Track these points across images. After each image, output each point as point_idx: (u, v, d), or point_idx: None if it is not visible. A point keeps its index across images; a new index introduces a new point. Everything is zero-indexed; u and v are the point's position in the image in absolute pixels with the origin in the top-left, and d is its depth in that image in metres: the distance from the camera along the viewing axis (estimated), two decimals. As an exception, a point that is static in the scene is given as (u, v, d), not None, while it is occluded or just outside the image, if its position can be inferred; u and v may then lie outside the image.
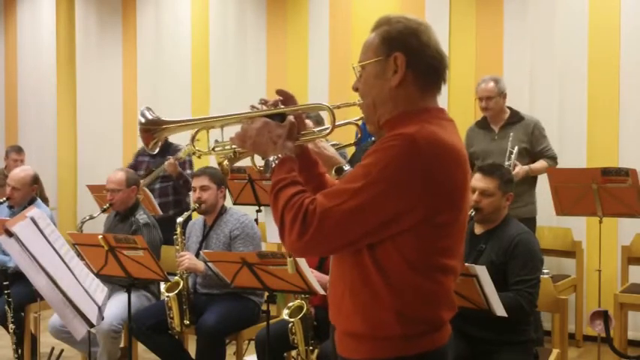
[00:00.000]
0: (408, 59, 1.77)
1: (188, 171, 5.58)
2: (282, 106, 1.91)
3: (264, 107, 1.92)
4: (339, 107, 1.96)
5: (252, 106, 1.95)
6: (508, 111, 4.89)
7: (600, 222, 4.29)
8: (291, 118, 1.88)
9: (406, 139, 1.67)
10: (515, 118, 4.85)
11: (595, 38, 5.33)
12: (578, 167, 4.79)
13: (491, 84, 4.81)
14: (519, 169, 4.64)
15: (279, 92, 1.98)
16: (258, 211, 5.20)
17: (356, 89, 1.88)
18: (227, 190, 4.65)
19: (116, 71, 7.94)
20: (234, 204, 5.15)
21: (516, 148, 4.69)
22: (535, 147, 4.79)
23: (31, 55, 8.73)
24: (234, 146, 1.95)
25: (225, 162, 2.01)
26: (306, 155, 2.01)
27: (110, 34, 7.97)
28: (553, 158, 4.80)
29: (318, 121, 3.06)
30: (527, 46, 5.57)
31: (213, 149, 1.99)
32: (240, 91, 6.90)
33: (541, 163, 4.76)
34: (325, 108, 1.92)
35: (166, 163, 5.42)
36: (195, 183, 4.25)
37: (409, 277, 1.71)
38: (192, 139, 2.04)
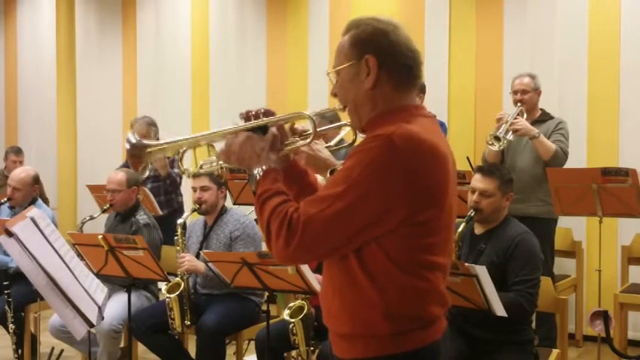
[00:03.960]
0: (379, 60, 1.79)
1: (175, 170, 5.56)
2: (264, 119, 1.92)
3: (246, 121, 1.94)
4: (320, 114, 1.99)
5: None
6: (540, 111, 4.85)
7: (600, 222, 4.28)
8: (273, 130, 1.90)
9: (384, 139, 1.68)
10: (545, 117, 4.81)
11: (595, 38, 5.33)
12: (578, 167, 4.78)
13: (527, 79, 4.79)
14: (523, 122, 4.59)
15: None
16: (258, 211, 5.20)
17: (335, 95, 1.90)
18: (227, 191, 4.64)
19: (116, 72, 7.94)
20: (234, 204, 5.15)
21: (518, 104, 4.71)
22: (549, 138, 4.67)
23: (31, 56, 8.74)
24: (220, 162, 1.98)
25: (220, 169, 2.04)
26: (293, 166, 2.03)
27: (110, 34, 7.98)
28: (563, 151, 4.64)
29: (332, 121, 3.06)
30: (527, 46, 5.57)
31: (201, 167, 2.02)
32: (240, 92, 6.91)
33: (550, 144, 4.61)
34: (306, 116, 1.95)
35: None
36: (196, 183, 4.25)
37: (395, 275, 1.73)
38: (180, 159, 2.05)
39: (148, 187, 5.51)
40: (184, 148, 2.00)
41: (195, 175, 4.31)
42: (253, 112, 1.93)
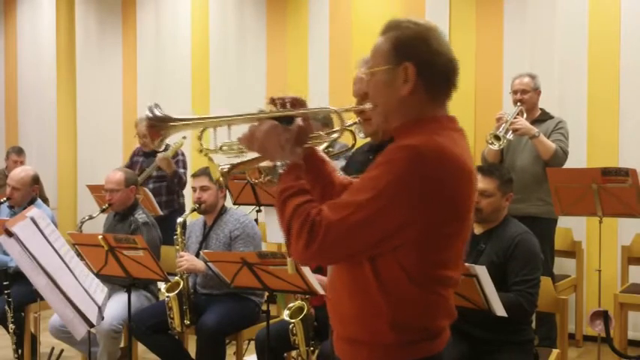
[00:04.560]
0: (418, 69, 1.76)
1: (181, 170, 5.59)
2: (291, 108, 1.87)
3: (273, 108, 1.89)
4: (347, 110, 1.95)
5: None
6: (540, 110, 4.87)
7: (600, 222, 4.28)
8: (299, 121, 1.85)
9: (412, 151, 1.66)
10: (545, 117, 4.83)
11: (595, 38, 5.33)
12: (578, 167, 4.78)
13: (527, 79, 4.82)
14: (523, 121, 4.61)
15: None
16: (258, 211, 5.20)
17: (365, 94, 1.86)
18: (227, 191, 4.65)
19: (116, 71, 7.94)
20: (234, 204, 5.15)
21: (518, 104, 4.73)
22: (549, 137, 4.68)
23: (31, 56, 8.74)
24: (241, 147, 1.92)
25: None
26: (314, 154, 1.99)
27: (110, 34, 7.98)
28: (563, 150, 4.65)
29: (327, 124, 3.04)
30: (527, 46, 5.57)
31: (220, 148, 1.96)
32: (240, 92, 6.90)
33: (550, 143, 4.62)
34: (332, 111, 1.91)
35: (157, 158, 5.41)
36: (196, 183, 4.25)
37: (407, 288, 1.71)
38: (199, 137, 1.99)
39: (150, 187, 5.51)
40: (204, 127, 1.95)
41: (195, 175, 4.32)
42: (280, 100, 1.88)
